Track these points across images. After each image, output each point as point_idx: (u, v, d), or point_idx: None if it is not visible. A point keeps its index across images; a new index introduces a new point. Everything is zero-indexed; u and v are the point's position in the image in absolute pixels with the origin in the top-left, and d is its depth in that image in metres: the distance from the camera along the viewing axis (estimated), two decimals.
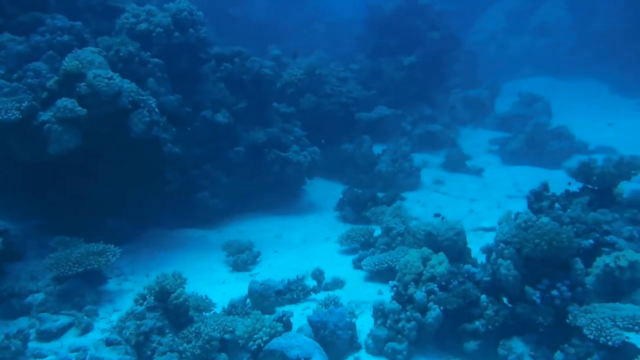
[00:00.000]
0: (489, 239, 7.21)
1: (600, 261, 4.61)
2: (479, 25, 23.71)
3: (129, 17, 7.98)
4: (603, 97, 17.89)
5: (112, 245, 5.55)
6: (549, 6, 21.98)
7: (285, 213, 9.06)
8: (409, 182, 10.07)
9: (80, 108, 5.58)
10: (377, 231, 7.11)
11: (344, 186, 10.26)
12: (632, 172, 5.56)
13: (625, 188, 5.66)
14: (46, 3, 8.09)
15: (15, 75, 5.81)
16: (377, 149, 11.23)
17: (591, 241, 4.91)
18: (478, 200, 9.18)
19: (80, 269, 5.06)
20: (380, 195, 8.86)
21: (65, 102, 5.51)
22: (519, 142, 11.11)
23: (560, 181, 9.67)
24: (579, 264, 4.43)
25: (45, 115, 5.53)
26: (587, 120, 14.55)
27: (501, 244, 4.85)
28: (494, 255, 4.97)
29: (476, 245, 6.46)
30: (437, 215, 6.28)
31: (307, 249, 7.39)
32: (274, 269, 6.61)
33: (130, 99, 6.16)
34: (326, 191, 9.97)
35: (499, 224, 6.04)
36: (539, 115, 13.35)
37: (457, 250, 5.44)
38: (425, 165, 11.01)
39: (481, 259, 5.67)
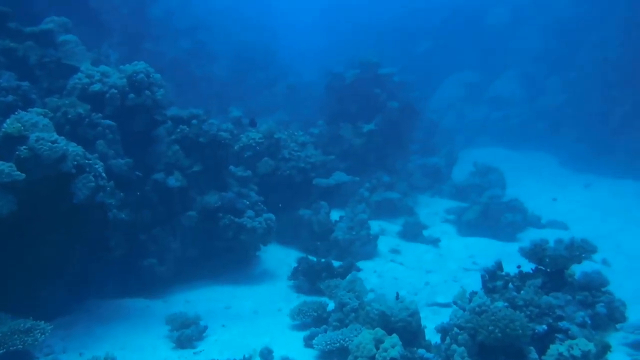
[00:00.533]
0: (445, 315, 7.09)
1: (554, 349, 4.49)
2: (439, 93, 24.55)
3: (82, 77, 7.78)
4: (552, 170, 18.53)
5: (42, 322, 5.11)
6: (503, 81, 23.04)
7: (237, 281, 8.71)
8: (365, 251, 9.93)
9: (18, 172, 5.26)
10: (331, 305, 6.87)
11: (299, 252, 10.03)
12: (583, 255, 5.58)
13: (577, 271, 5.67)
14: None
15: None
16: (335, 214, 11.13)
17: (545, 327, 4.82)
18: (434, 272, 9.08)
19: (1, 351, 4.60)
20: (335, 264, 8.67)
21: (2, 167, 5.19)
22: (475, 213, 11.22)
23: (513, 255, 9.76)
24: (533, 354, 4.31)
25: None
26: (538, 192, 14.92)
27: (455, 329, 4.69)
28: (448, 339, 4.80)
29: (431, 322, 6.29)
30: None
31: (257, 322, 7.04)
32: (220, 345, 6.23)
33: (75, 163, 5.89)
34: (281, 258, 9.71)
35: (454, 302, 5.93)
36: (494, 186, 13.61)
37: (411, 332, 5.25)
38: (382, 233, 10.93)
39: (436, 338, 5.50)
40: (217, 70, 19.86)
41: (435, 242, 10.51)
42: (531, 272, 5.87)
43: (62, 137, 5.85)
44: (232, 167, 9.93)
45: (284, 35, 26.49)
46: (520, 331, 4.25)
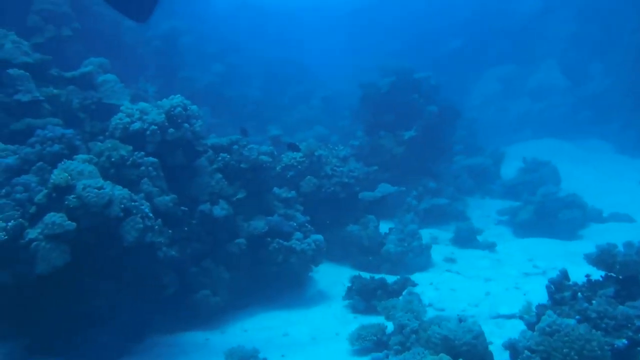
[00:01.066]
0: (510, 328, 6.79)
1: None
2: (477, 90, 24.00)
3: (123, 117, 7.88)
4: (609, 156, 17.71)
5: None
6: (543, 70, 22.28)
7: (291, 305, 8.59)
8: (418, 262, 9.67)
9: (69, 222, 5.33)
10: (390, 326, 6.66)
11: (351, 269, 9.87)
12: None
13: None
14: (41, 108, 8.08)
15: (4, 190, 5.60)
16: (384, 226, 10.93)
17: (624, 341, 4.47)
18: (493, 280, 8.72)
19: None
20: (390, 279, 8.46)
21: (54, 218, 5.26)
22: (529, 213, 10.78)
23: (576, 255, 9.28)
24: None
25: (32, 233, 5.27)
26: (596, 183, 14.29)
27: (526, 352, 4.41)
28: None
29: (497, 337, 6.01)
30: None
31: (316, 350, 6.89)
32: None
33: (122, 206, 5.93)
34: (333, 277, 9.54)
35: (520, 317, 5.62)
36: (546, 182, 13.08)
37: (477, 355, 4.98)
38: (434, 242, 10.64)
39: (504, 356, 5.22)
40: (250, 90, 20.01)
41: (491, 246, 10.13)
42: (601, 279, 5.50)
43: (108, 182, 5.91)
44: (276, 189, 9.87)
45: (312, 47, 26.55)
46: (599, 352, 3.95)
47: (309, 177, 10.37)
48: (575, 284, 5.60)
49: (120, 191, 6.00)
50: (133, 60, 14.89)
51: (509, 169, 15.21)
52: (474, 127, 18.05)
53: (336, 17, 32.10)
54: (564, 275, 5.72)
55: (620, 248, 5.62)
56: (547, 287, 5.74)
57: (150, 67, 16.10)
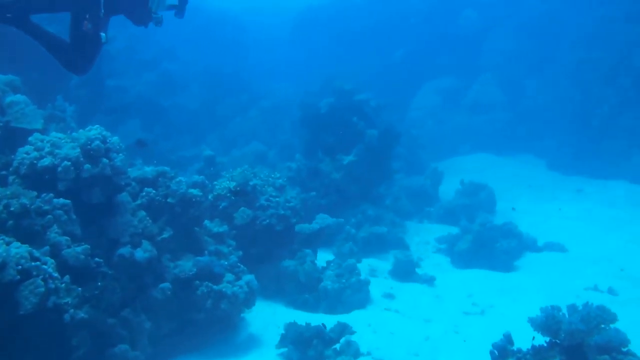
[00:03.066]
0: None
1: None
2: (416, 101, 24.05)
3: (30, 150, 7.03)
4: (541, 174, 18.10)
5: None
6: (480, 84, 22.60)
7: (222, 352, 8.01)
8: (357, 299, 9.29)
9: None
10: None
11: (286, 307, 9.39)
12: (602, 325, 4.99)
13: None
14: None
15: None
16: (321, 255, 10.54)
17: None
18: (433, 320, 8.46)
19: None
20: (327, 323, 8.01)
21: None
22: (467, 243, 10.66)
23: (513, 289, 9.20)
24: None
25: None
26: (530, 203, 14.47)
27: None
28: None
29: None
30: None
31: None
32: None
33: (19, 267, 5.16)
34: (267, 316, 8.99)
35: None
36: (484, 206, 13.12)
37: None
38: (373, 274, 10.32)
39: None
40: (186, 100, 19.12)
41: (430, 280, 9.90)
42: (546, 346, 5.27)
43: (2, 239, 5.12)
44: (207, 222, 9.24)
45: (254, 55, 25.86)
46: None
47: (242, 208, 9.78)
48: (519, 350, 5.35)
49: (17, 249, 5.23)
50: (54, 69, 13.73)
51: (448, 189, 15.17)
52: (413, 143, 18.00)
53: (280, 23, 31.56)
54: (508, 339, 5.47)
55: (564, 310, 5.43)
56: (491, 353, 5.47)
57: (74, 76, 14.93)
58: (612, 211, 12.93)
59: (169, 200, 8.38)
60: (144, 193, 8.14)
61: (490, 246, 10.54)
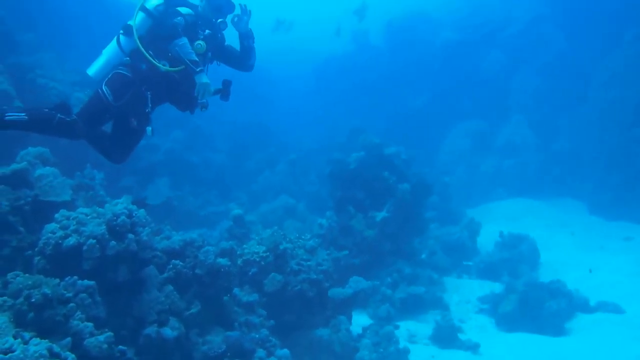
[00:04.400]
0: None
1: None
2: (446, 146, 23.63)
3: (56, 229, 6.84)
4: (584, 219, 17.30)
5: None
6: (511, 126, 22.09)
7: None
8: None
9: None
10: None
11: None
12: None
13: None
14: None
15: None
16: (356, 318, 10.02)
17: None
18: None
19: None
20: None
21: None
22: (512, 303, 9.99)
23: (567, 354, 8.45)
24: None
25: None
26: (576, 254, 13.70)
27: None
28: None
29: None
30: None
31: None
32: None
33: None
34: None
35: None
36: (526, 258, 12.44)
37: None
38: (412, 340, 9.71)
39: None
40: (214, 155, 19.10)
41: (474, 347, 9.22)
42: None
43: (19, 340, 4.83)
44: (236, 290, 8.87)
45: (279, 107, 25.99)
46: None
47: (273, 274, 9.37)
48: None
49: (36, 346, 4.91)
50: None
51: (486, 237, 14.55)
52: (446, 191, 17.48)
53: (303, 74, 31.85)
54: None
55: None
56: None
57: None
58: None
59: (196, 271, 8.05)
60: (171, 266, 7.83)
61: (538, 307, 9.84)
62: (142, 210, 7.56)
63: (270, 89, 28.08)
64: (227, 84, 5.35)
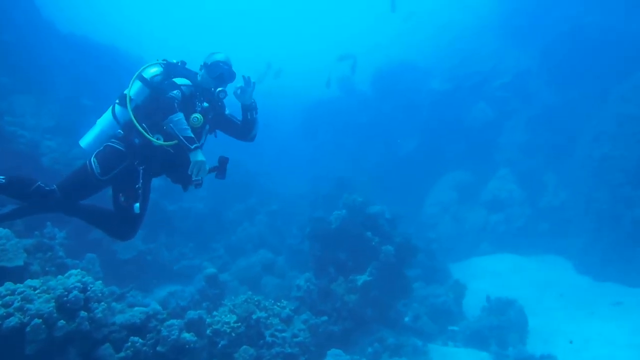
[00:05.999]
0: None
1: None
2: (432, 197, 23.22)
3: None
4: (572, 279, 16.78)
5: None
6: (498, 180, 21.80)
7: None
8: None
9: None
10: None
11: None
12: None
13: None
14: None
15: None
16: None
17: None
18: None
19: None
20: None
21: None
22: None
23: None
24: None
25: None
26: (565, 320, 13.11)
27: None
28: None
29: None
30: None
31: None
32: None
33: None
34: None
35: None
36: (514, 325, 11.83)
37: None
38: None
39: None
40: (192, 204, 18.44)
41: None
42: None
43: None
44: None
45: (264, 151, 25.51)
46: None
47: (244, 347, 8.66)
48: None
49: None
50: None
51: (472, 297, 13.95)
52: (431, 247, 16.94)
53: (291, 118, 31.71)
54: None
55: None
56: None
57: None
58: None
59: (158, 349, 7.34)
60: (129, 344, 7.11)
61: None
62: (98, 283, 6.89)
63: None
64: (223, 162, 5.09)
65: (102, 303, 6.69)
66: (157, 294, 13.60)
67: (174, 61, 5.33)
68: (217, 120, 5.45)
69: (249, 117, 5.46)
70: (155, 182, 16.77)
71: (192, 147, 4.59)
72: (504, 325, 11.81)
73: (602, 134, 18.18)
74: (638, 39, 20.05)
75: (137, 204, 4.86)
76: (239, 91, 5.36)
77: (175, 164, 4.98)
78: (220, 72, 5.26)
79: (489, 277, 17.44)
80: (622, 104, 17.52)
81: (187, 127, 4.66)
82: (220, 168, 5.07)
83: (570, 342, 10.71)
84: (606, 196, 16.98)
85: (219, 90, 5.26)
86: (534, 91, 24.13)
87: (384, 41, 40.53)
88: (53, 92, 17.18)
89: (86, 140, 5.18)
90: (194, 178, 4.71)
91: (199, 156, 4.62)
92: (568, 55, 22.58)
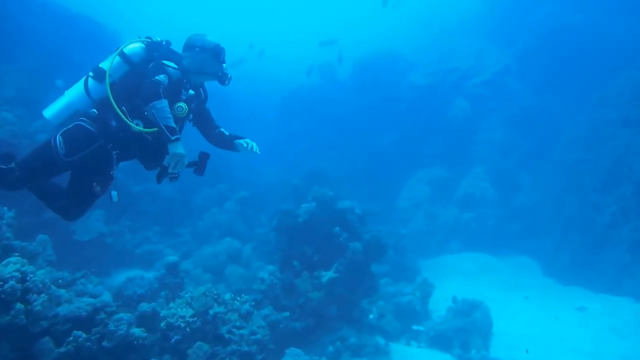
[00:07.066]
0: None
1: None
2: (406, 191, 23.02)
3: None
4: (539, 281, 16.82)
5: None
6: (472, 177, 21.69)
7: None
8: None
9: None
10: None
11: None
12: None
13: None
14: None
15: None
16: None
17: None
18: None
19: None
20: None
21: None
22: None
23: None
24: None
25: None
26: (530, 324, 13.04)
27: None
28: None
29: None
30: None
31: None
32: None
33: None
34: None
35: None
36: (479, 328, 11.69)
37: None
38: None
39: None
40: (160, 185, 17.87)
41: None
42: None
43: None
44: None
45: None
46: None
47: (199, 343, 8.27)
48: None
49: None
50: None
51: (439, 296, 13.78)
52: (402, 244, 16.75)
53: (268, 104, 31.16)
54: None
55: None
56: None
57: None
58: (623, 343, 11.50)
59: (104, 344, 6.91)
60: (72, 338, 6.67)
61: None
62: (40, 273, 6.42)
63: (230, 116, 27.09)
64: (204, 158, 4.76)
65: (43, 295, 6.23)
66: (116, 278, 13.12)
67: (158, 39, 4.90)
68: (197, 110, 5.13)
69: (229, 146, 5.34)
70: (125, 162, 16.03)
71: (173, 138, 4.24)
72: (468, 328, 11.65)
73: (577, 138, 18.16)
74: (621, 43, 20.06)
75: (115, 192, 4.63)
76: (245, 145, 5.25)
77: (151, 152, 4.62)
78: (224, 57, 4.97)
79: (457, 275, 17.35)
80: (600, 109, 17.48)
81: (170, 115, 4.29)
82: (200, 164, 4.76)
83: (527, 352, 10.57)
84: (576, 200, 16.99)
85: (230, 76, 4.99)
86: (513, 91, 24.09)
87: (367, 32, 40.16)
88: (17, 62, 16.34)
89: (51, 111, 4.72)
90: (170, 170, 4.35)
91: (178, 148, 4.28)
92: (548, 56, 22.57)
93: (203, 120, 5.27)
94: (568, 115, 19.97)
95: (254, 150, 5.23)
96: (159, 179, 4.68)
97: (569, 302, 14.77)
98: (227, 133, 5.31)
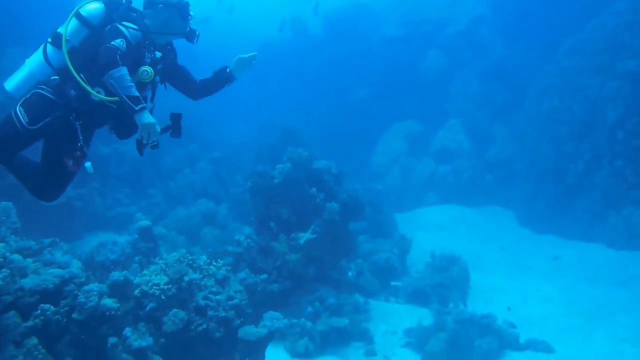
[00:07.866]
0: None
1: None
2: (381, 146, 22.85)
3: None
4: (514, 231, 17.06)
5: None
6: (447, 130, 21.58)
7: None
8: None
9: None
10: None
11: None
12: None
13: None
14: None
15: None
16: (270, 353, 8.95)
17: None
18: None
19: None
20: None
21: None
22: (440, 343, 9.21)
23: None
24: None
25: None
26: (506, 275, 13.25)
27: None
28: None
29: None
30: None
31: None
32: None
33: None
34: None
35: None
36: (457, 283, 11.80)
37: None
38: None
39: None
40: (128, 147, 17.31)
41: None
42: None
43: None
44: (127, 330, 7.55)
45: (206, 98, 24.29)
46: None
47: (175, 310, 8.10)
48: None
49: None
50: None
51: (416, 250, 13.82)
52: (378, 199, 16.67)
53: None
54: None
55: None
56: None
57: None
58: (594, 291, 11.73)
59: (74, 316, 6.67)
60: (39, 311, 6.40)
61: (467, 348, 9.13)
62: (1, 245, 6.08)
63: (200, 74, 26.27)
64: (176, 119, 4.40)
65: (4, 269, 5.90)
66: (88, 241, 12.82)
67: None
68: (167, 71, 4.76)
69: (222, 85, 5.09)
70: None
71: (137, 107, 3.88)
72: (446, 284, 11.74)
73: (551, 87, 18.08)
74: None
75: (89, 163, 4.32)
76: (244, 60, 5.09)
77: (119, 121, 4.33)
78: (190, 12, 4.57)
79: (434, 229, 17.44)
80: (570, 57, 17.35)
81: (131, 84, 3.91)
82: (174, 126, 4.42)
83: (508, 309, 10.71)
84: (551, 150, 17.06)
85: (198, 33, 4.61)
86: (487, 41, 23.77)
87: None
88: None
89: (12, 82, 4.39)
90: (145, 142, 4.03)
91: (145, 118, 3.93)
92: (520, 4, 22.20)
93: (180, 78, 4.92)
94: (541, 65, 19.80)
95: (253, 57, 5.17)
96: (140, 151, 4.38)
97: (544, 250, 15.04)
98: (209, 76, 5.05)
